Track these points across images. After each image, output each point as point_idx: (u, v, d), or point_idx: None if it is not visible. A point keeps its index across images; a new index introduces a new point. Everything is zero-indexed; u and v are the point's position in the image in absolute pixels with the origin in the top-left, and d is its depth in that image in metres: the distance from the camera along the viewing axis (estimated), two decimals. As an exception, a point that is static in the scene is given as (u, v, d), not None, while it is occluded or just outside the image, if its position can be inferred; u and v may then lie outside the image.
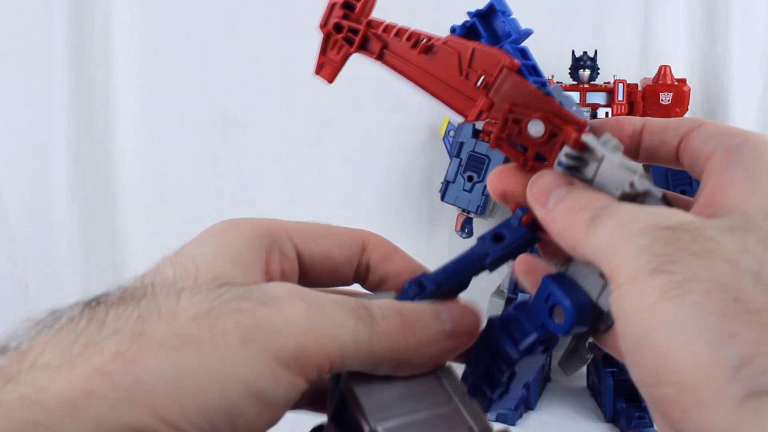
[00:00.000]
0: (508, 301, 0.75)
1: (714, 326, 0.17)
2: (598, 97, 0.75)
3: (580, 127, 0.24)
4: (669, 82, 0.74)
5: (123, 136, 0.89)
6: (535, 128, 0.24)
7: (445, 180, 0.78)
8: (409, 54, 0.28)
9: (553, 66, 0.77)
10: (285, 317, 0.21)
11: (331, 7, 0.29)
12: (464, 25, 0.27)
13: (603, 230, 0.21)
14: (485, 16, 0.28)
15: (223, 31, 0.87)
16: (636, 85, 0.76)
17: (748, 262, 0.18)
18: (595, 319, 0.23)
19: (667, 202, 0.23)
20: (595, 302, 0.23)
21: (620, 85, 0.74)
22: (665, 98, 0.73)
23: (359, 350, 0.22)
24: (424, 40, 0.28)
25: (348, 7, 0.29)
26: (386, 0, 0.33)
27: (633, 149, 0.26)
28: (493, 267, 0.26)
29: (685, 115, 0.75)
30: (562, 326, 0.23)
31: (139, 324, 0.20)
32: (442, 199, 0.78)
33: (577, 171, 0.24)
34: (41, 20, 0.85)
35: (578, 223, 0.22)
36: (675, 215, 0.20)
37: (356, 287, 0.28)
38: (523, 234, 0.26)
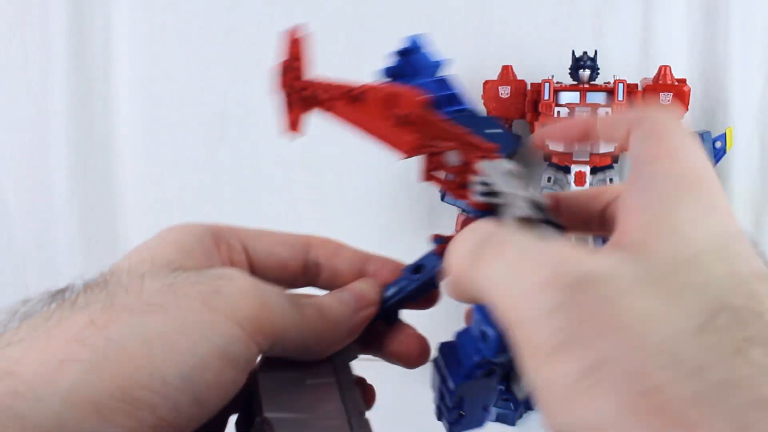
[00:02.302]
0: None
1: (633, 426, 0.15)
2: (598, 97, 0.75)
3: (485, 152, 0.24)
4: (669, 82, 0.74)
5: (123, 136, 0.89)
6: (452, 158, 0.26)
7: (445, 180, 0.78)
8: (344, 105, 0.30)
9: (553, 66, 0.77)
10: (238, 287, 0.23)
11: (280, 70, 0.31)
12: (392, 64, 0.28)
13: (491, 267, 0.19)
14: (407, 53, 0.29)
15: (223, 31, 0.87)
16: (636, 85, 0.76)
17: (654, 335, 0.16)
18: None
19: (559, 226, 0.22)
20: None
21: (620, 85, 0.74)
22: (665, 98, 0.73)
23: (294, 329, 0.24)
24: (352, 91, 0.29)
25: (293, 68, 0.31)
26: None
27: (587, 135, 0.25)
28: (413, 298, 0.28)
29: (686, 116, 0.75)
30: (490, 352, 0.22)
31: (109, 298, 0.21)
32: (442, 199, 0.78)
33: (493, 196, 0.24)
34: (41, 20, 0.85)
35: (460, 256, 0.21)
36: (580, 261, 0.17)
37: (309, 291, 0.29)
38: (439, 264, 0.26)
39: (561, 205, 0.26)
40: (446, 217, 0.86)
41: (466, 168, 0.25)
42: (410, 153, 0.27)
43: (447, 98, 0.27)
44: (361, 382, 0.29)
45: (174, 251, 0.25)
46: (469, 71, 0.80)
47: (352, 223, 0.88)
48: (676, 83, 0.74)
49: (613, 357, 0.16)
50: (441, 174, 0.27)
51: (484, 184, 0.24)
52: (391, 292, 0.28)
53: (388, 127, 0.28)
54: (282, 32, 0.32)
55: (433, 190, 0.84)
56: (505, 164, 0.24)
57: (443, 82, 0.27)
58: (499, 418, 0.75)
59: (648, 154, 0.21)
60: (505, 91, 0.75)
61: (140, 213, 0.90)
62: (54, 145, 0.87)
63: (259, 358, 0.24)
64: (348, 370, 0.27)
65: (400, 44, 0.26)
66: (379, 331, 0.29)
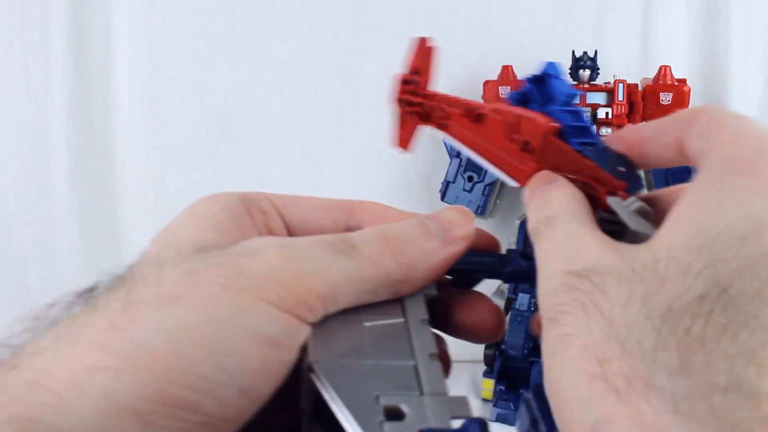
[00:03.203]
0: (508, 302, 0.75)
1: (581, 387, 0.17)
2: (598, 97, 0.75)
3: (613, 188, 0.24)
4: (669, 82, 0.74)
5: (123, 136, 0.89)
6: None
7: (445, 180, 0.78)
8: (462, 123, 0.29)
9: (553, 66, 0.77)
10: (263, 263, 0.20)
11: (397, 82, 0.30)
12: (521, 90, 0.28)
13: (541, 246, 0.22)
14: (540, 80, 0.28)
15: (223, 31, 0.87)
16: (636, 85, 0.76)
17: (621, 319, 0.17)
18: None
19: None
20: None
21: (620, 85, 0.74)
22: (665, 98, 0.73)
23: (350, 283, 0.21)
24: (475, 110, 0.28)
25: (412, 82, 0.30)
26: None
27: (639, 161, 0.24)
28: (509, 278, 0.26)
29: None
30: None
31: (128, 297, 0.20)
32: (442, 199, 0.78)
33: (617, 233, 0.23)
34: (41, 20, 0.85)
35: (533, 218, 0.23)
36: (591, 257, 0.20)
37: None
38: None
39: (644, 141, 0.24)
40: (446, 217, 0.86)
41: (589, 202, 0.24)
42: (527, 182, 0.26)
43: (578, 129, 0.26)
44: (438, 340, 0.25)
45: (201, 228, 0.23)
46: (469, 71, 0.80)
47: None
48: (676, 83, 0.74)
49: (581, 330, 0.18)
50: None
51: (605, 221, 0.23)
52: (488, 259, 0.25)
53: (509, 151, 0.27)
54: (410, 41, 0.30)
55: (434, 190, 0.84)
56: (635, 203, 0.23)
57: (576, 114, 0.26)
58: (499, 418, 0.75)
59: (709, 146, 0.20)
60: (505, 91, 0.75)
61: (140, 213, 0.90)
62: (54, 145, 0.87)
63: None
64: (421, 308, 0.23)
65: (535, 70, 0.25)
66: (446, 298, 0.25)
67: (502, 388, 0.77)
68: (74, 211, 0.88)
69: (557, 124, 0.26)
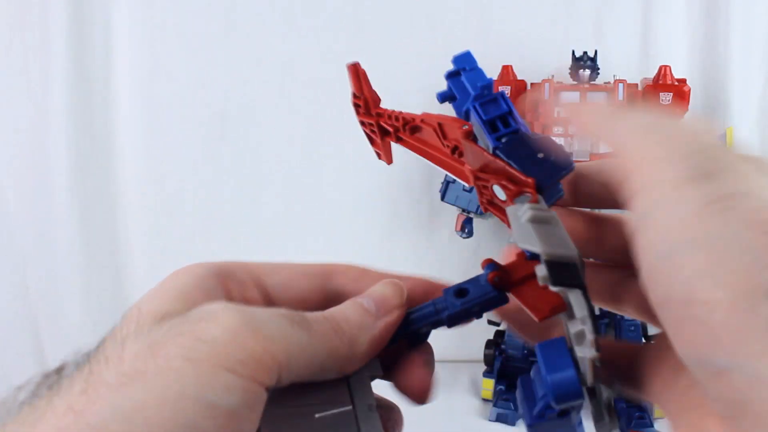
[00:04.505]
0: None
1: (758, 248, 0.16)
2: (598, 97, 0.75)
3: (521, 188, 0.23)
4: (669, 82, 0.74)
5: (123, 136, 0.89)
6: (500, 192, 0.24)
7: (445, 180, 0.78)
8: (407, 135, 0.29)
9: (553, 66, 0.77)
10: (223, 326, 0.20)
11: (353, 106, 0.31)
12: (446, 90, 0.28)
13: (629, 123, 0.20)
14: (456, 74, 0.28)
15: (223, 31, 0.87)
16: (636, 85, 0.76)
17: None
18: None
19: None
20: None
21: (620, 85, 0.74)
22: (665, 98, 0.73)
23: (303, 353, 0.22)
24: (410, 122, 0.29)
25: (359, 105, 0.31)
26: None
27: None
28: (450, 323, 0.25)
29: (685, 116, 0.75)
30: (551, 399, 0.21)
31: (88, 378, 0.20)
32: (442, 199, 0.78)
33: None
34: (41, 20, 0.85)
35: (603, 113, 0.22)
36: (713, 139, 0.19)
37: None
38: (488, 293, 0.24)
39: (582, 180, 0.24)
40: (446, 216, 0.86)
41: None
42: (473, 184, 0.26)
43: (500, 119, 0.25)
44: (386, 404, 0.26)
45: (166, 299, 0.23)
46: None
47: (352, 223, 0.88)
48: (676, 83, 0.74)
49: (747, 194, 0.17)
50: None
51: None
52: (424, 311, 0.25)
53: (449, 156, 0.27)
54: (345, 66, 0.31)
55: (434, 190, 0.84)
56: (528, 211, 0.22)
57: (495, 102, 0.26)
58: (499, 418, 0.75)
59: None
60: (505, 91, 0.75)
61: (140, 213, 0.90)
62: (54, 145, 0.87)
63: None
64: (367, 391, 0.24)
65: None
66: (399, 355, 0.26)
67: (502, 388, 0.77)
68: (74, 211, 0.88)
69: (467, 128, 0.25)
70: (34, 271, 0.90)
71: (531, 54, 0.81)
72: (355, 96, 0.31)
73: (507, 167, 0.23)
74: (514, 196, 0.23)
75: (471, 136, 0.25)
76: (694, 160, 0.18)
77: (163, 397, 0.19)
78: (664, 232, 0.17)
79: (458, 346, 0.79)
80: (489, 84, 0.27)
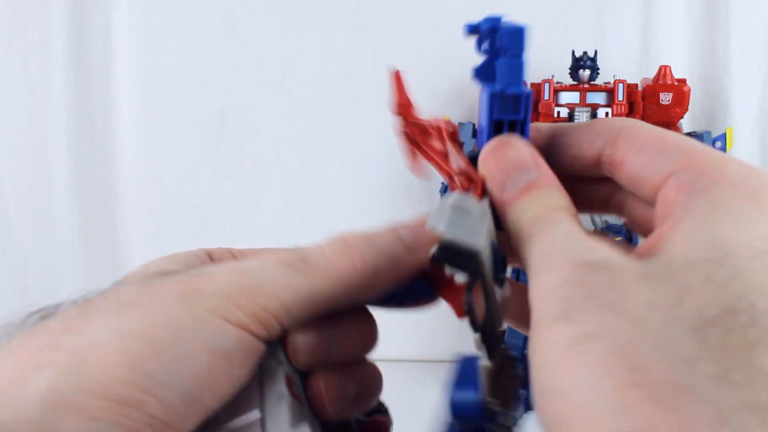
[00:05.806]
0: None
1: (612, 394, 0.16)
2: (598, 97, 0.75)
3: (471, 185, 0.24)
4: (669, 82, 0.74)
5: (123, 136, 0.89)
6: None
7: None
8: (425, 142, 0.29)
9: (553, 66, 0.77)
10: (217, 283, 0.21)
11: (396, 117, 0.31)
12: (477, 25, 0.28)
13: (536, 245, 0.21)
14: (491, 36, 0.28)
15: (223, 32, 0.87)
16: (636, 85, 0.76)
17: (651, 322, 0.16)
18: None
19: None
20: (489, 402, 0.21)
21: (620, 85, 0.74)
22: (665, 98, 0.73)
23: (302, 298, 0.22)
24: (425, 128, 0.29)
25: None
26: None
27: (546, 157, 0.24)
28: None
29: (685, 116, 0.75)
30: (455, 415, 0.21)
31: (85, 305, 0.21)
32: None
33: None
34: (41, 20, 0.85)
35: (524, 215, 0.22)
36: (597, 250, 0.19)
37: None
38: (417, 284, 0.24)
39: (554, 136, 0.25)
40: (446, 217, 0.86)
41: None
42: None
43: (510, 123, 0.26)
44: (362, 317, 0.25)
45: (165, 264, 0.24)
46: (469, 71, 0.80)
47: (352, 223, 0.88)
48: (676, 83, 0.74)
49: (607, 331, 0.16)
50: None
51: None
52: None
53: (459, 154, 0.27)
54: (387, 75, 0.30)
55: (434, 190, 0.84)
56: (455, 197, 0.22)
57: (516, 102, 0.26)
58: (499, 418, 0.75)
59: (683, 166, 0.20)
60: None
61: (140, 213, 0.90)
62: (54, 145, 0.87)
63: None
64: (278, 377, 0.23)
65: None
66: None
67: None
68: (74, 211, 0.88)
69: (452, 129, 0.26)
70: (34, 271, 0.90)
71: (531, 54, 0.81)
72: (398, 107, 0.30)
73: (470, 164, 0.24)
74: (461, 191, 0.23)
75: (456, 137, 0.26)
76: (563, 293, 0.18)
77: (160, 324, 0.20)
78: (538, 374, 0.18)
79: (458, 346, 0.79)
80: (519, 95, 0.27)
